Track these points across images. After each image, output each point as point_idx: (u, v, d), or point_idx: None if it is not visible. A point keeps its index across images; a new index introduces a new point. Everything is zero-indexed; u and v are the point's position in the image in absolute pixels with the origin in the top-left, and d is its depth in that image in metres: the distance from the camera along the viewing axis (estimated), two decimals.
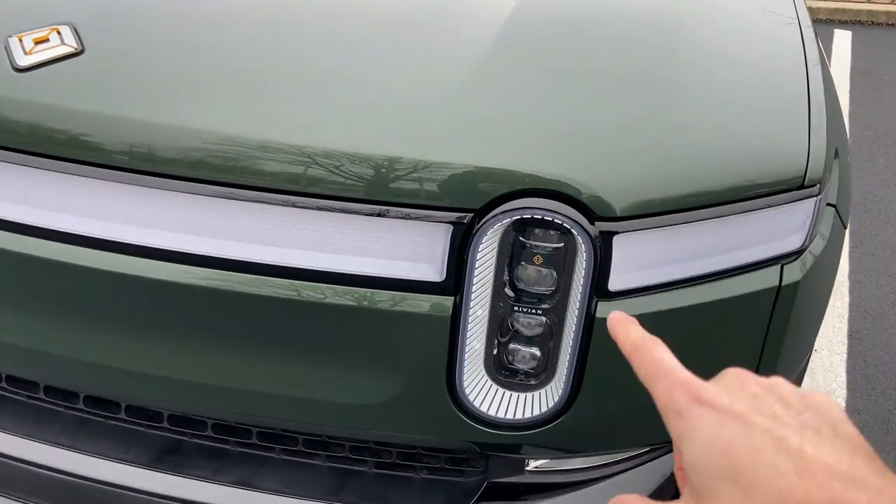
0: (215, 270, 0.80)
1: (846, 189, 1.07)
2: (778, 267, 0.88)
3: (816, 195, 0.86)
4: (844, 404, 2.07)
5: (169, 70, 0.85)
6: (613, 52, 0.95)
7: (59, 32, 0.83)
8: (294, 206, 0.78)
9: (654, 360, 0.39)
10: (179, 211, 0.80)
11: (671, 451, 1.00)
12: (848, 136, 1.36)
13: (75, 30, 0.84)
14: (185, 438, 0.98)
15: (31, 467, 0.96)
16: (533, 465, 0.98)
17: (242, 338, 0.84)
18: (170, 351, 0.85)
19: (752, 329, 0.89)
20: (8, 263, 0.84)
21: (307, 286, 0.80)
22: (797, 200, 0.85)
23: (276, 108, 0.81)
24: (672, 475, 1.04)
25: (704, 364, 0.78)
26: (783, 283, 0.88)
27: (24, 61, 0.81)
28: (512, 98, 0.84)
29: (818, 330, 1.06)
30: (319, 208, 0.77)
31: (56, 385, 0.97)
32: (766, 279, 0.87)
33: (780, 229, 0.87)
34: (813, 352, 2.17)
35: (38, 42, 0.82)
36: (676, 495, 0.85)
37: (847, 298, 2.56)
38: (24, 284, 0.85)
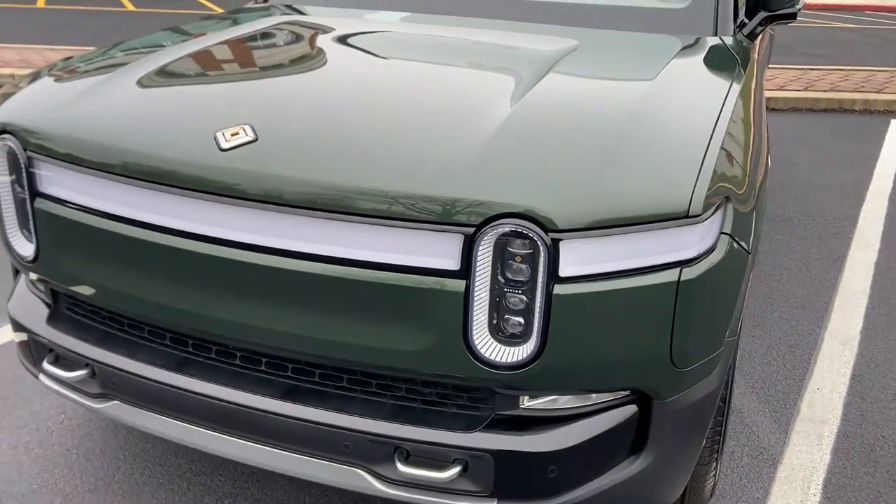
0: (314, 262, 1.37)
1: (747, 224, 1.54)
2: (678, 269, 1.37)
3: (699, 222, 1.36)
4: (836, 431, 2.41)
5: (302, 151, 1.44)
6: (572, 131, 1.48)
7: (244, 129, 1.45)
8: (372, 223, 1.34)
9: None
10: (290, 224, 1.37)
11: (628, 402, 1.47)
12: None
13: (254, 128, 1.46)
14: (251, 371, 1.56)
15: (145, 381, 1.57)
16: (525, 403, 1.47)
17: (330, 303, 1.38)
18: (281, 313, 1.42)
19: (664, 310, 1.37)
20: (190, 257, 1.44)
21: (376, 274, 1.35)
22: (685, 225, 1.35)
23: (359, 174, 1.38)
24: (627, 421, 1.49)
25: (636, 331, 1.27)
26: (681, 280, 1.36)
27: (225, 145, 1.42)
28: (503, 160, 1.38)
29: (727, 325, 1.51)
30: (386, 224, 1.33)
31: (152, 322, 1.57)
32: (670, 276, 1.36)
33: (678, 244, 1.36)
34: (816, 391, 2.55)
35: (233, 135, 1.44)
36: (637, 442, 1.41)
37: (856, 349, 2.89)
38: (168, 267, 1.47)
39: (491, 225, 1.30)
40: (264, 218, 1.40)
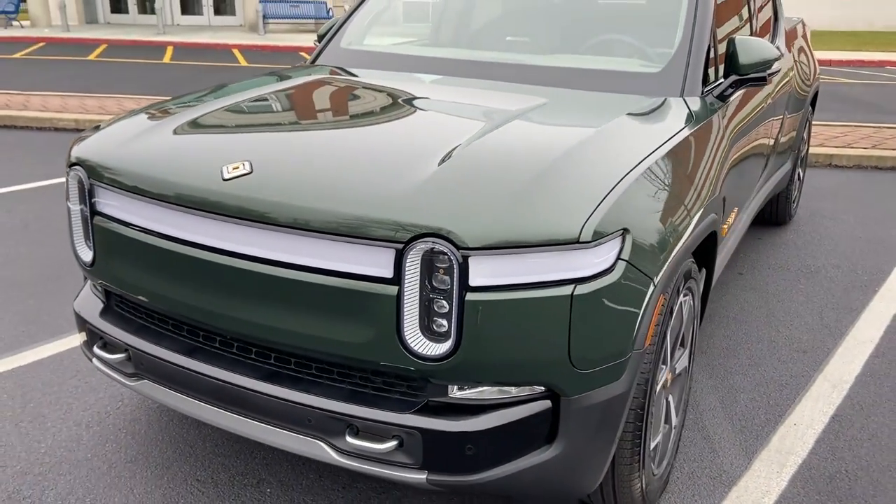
0: (289, 269, 1.75)
1: (653, 255, 1.82)
2: (573, 285, 1.67)
3: (590, 248, 1.66)
4: (800, 462, 2.56)
5: (284, 182, 1.84)
6: (501, 169, 1.82)
7: (243, 164, 1.87)
8: (330, 239, 1.71)
9: None
10: (271, 239, 1.75)
11: (542, 398, 1.76)
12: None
13: (251, 163, 1.88)
14: (243, 359, 1.93)
15: (166, 363, 1.95)
16: (454, 393, 1.79)
17: (299, 302, 1.75)
18: (243, 303, 1.80)
19: (561, 319, 1.67)
20: (186, 261, 1.85)
21: (334, 280, 1.72)
22: (577, 250, 1.65)
23: (322, 201, 1.76)
24: (541, 413, 1.78)
25: (538, 334, 1.59)
26: (575, 294, 1.66)
27: (227, 176, 1.85)
28: (433, 192, 1.72)
29: (628, 338, 1.78)
30: (340, 240, 1.70)
31: (171, 315, 1.99)
32: (565, 291, 1.66)
33: (572, 264, 1.66)
34: (792, 426, 2.71)
35: (234, 168, 1.86)
36: (551, 434, 1.76)
37: (845, 392, 3.02)
38: (183, 271, 1.87)
39: (415, 242, 1.64)
40: (253, 233, 1.80)
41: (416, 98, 2.49)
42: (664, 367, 2.11)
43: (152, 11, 19.04)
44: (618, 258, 1.74)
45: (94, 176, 2.08)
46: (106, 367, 2.20)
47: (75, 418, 2.71)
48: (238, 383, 1.91)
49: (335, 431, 1.82)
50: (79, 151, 2.17)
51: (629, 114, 2.26)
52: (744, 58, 2.63)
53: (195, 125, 2.21)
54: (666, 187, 1.98)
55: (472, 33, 3.32)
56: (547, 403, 1.78)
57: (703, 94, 2.58)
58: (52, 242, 4.53)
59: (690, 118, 2.34)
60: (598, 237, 1.68)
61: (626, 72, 2.64)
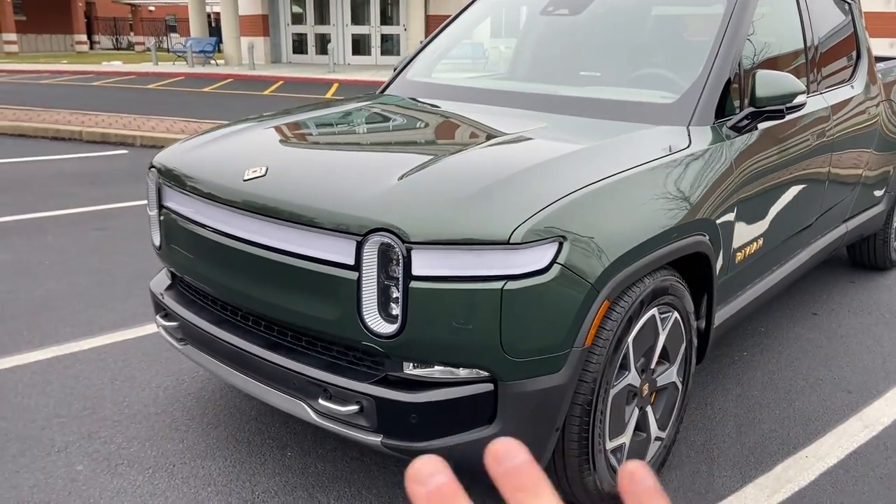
0: (282, 255, 2.13)
1: (595, 263, 2.02)
2: (504, 281, 1.91)
3: (520, 250, 1.89)
4: (795, 490, 2.56)
5: (286, 183, 2.23)
6: (461, 178, 2.09)
7: (260, 168, 2.30)
8: (312, 230, 2.07)
9: None
10: (272, 228, 2.15)
11: (485, 381, 2.00)
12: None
13: (267, 168, 2.30)
14: (254, 330, 2.30)
15: (206, 333, 2.35)
16: (409, 370, 2.07)
17: (286, 282, 2.12)
18: (242, 278, 2.19)
19: (492, 310, 1.91)
20: (210, 244, 2.27)
21: (294, 260, 2.08)
22: (508, 250, 1.90)
23: (306, 200, 2.13)
24: (481, 395, 2.01)
25: (472, 322, 1.87)
26: (504, 289, 1.91)
27: (247, 177, 2.27)
28: (395, 195, 2.04)
29: (562, 334, 1.98)
30: (318, 231, 2.06)
31: (206, 291, 2.39)
32: (496, 285, 1.91)
33: (504, 263, 1.91)
34: (803, 458, 2.72)
35: (253, 172, 2.29)
36: (492, 415, 2.08)
37: (875, 433, 2.93)
38: (207, 251, 2.29)
39: (371, 235, 1.97)
40: (259, 224, 2.21)
41: (427, 121, 2.83)
42: (626, 372, 2.26)
43: (327, 52, 20.75)
44: (553, 262, 1.96)
45: (164, 177, 2.60)
46: (165, 332, 2.69)
47: (158, 382, 3.26)
48: (247, 349, 2.30)
49: (313, 394, 2.16)
50: (157, 158, 2.70)
51: (614, 138, 2.46)
52: (761, 90, 2.72)
53: (242, 138, 2.68)
54: (624, 205, 2.16)
55: (518, 68, 3.61)
56: (489, 386, 2.02)
57: (714, 124, 2.70)
58: None
59: (681, 146, 2.49)
60: (529, 241, 1.91)
61: (639, 102, 2.81)
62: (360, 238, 1.99)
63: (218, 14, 31.36)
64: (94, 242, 5.33)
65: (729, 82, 2.79)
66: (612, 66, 3.25)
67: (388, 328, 1.99)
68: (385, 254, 1.97)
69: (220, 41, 24.50)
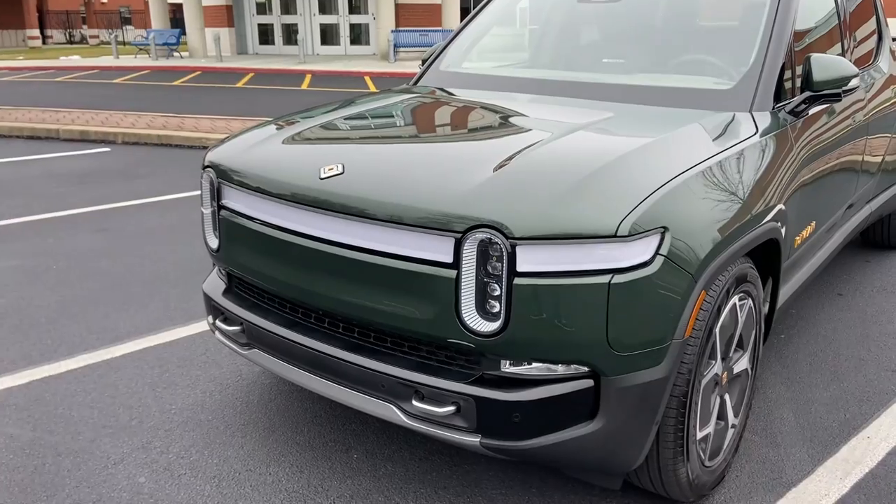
0: (369, 255, 2.06)
1: (695, 253, 1.99)
2: (610, 275, 1.88)
3: (627, 242, 1.86)
4: (867, 471, 2.59)
5: (368, 182, 2.16)
6: (556, 170, 2.05)
7: (337, 166, 2.22)
8: (403, 228, 2.01)
9: None
10: (356, 228, 2.08)
11: (585, 376, 1.97)
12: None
13: (343, 165, 2.23)
14: (332, 332, 2.25)
15: (278, 337, 2.29)
16: (506, 368, 2.03)
17: (377, 283, 2.06)
18: (324, 280, 2.13)
19: (599, 305, 1.88)
20: (279, 244, 2.20)
21: (383, 259, 2.02)
22: (614, 243, 1.86)
23: (397, 198, 2.06)
24: (583, 391, 1.98)
25: (578, 317, 1.83)
26: (612, 283, 1.87)
27: (323, 175, 2.20)
28: (491, 190, 1.98)
29: (665, 326, 1.96)
30: (407, 229, 2.00)
31: (277, 294, 2.33)
32: (603, 279, 1.87)
33: (610, 256, 1.87)
34: (865, 438, 2.71)
35: (329, 169, 2.21)
36: (593, 410, 2.04)
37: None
38: (273, 251, 2.22)
39: (471, 232, 1.92)
40: (341, 223, 2.14)
41: (494, 112, 2.77)
42: (713, 362, 2.25)
43: (296, 42, 20.44)
44: (656, 253, 1.93)
45: (222, 176, 2.50)
46: (225, 337, 2.60)
47: (202, 387, 3.16)
48: (328, 352, 2.24)
49: (404, 396, 2.11)
50: (211, 156, 2.61)
51: (689, 126, 2.44)
52: (818, 75, 2.72)
53: (302, 135, 2.60)
54: (713, 193, 2.14)
55: (559, 56, 3.57)
56: (589, 382, 1.99)
57: (774, 109, 2.70)
58: (194, 243, 5.15)
59: (752, 131, 2.48)
60: (635, 233, 1.88)
61: (698, 89, 2.80)
62: (459, 235, 1.93)
63: (177, 5, 30.69)
64: (98, 245, 5.17)
65: (783, 66, 2.79)
66: (655, 54, 3.22)
67: (488, 326, 1.94)
68: (485, 250, 1.92)
69: (182, 33, 23.98)
